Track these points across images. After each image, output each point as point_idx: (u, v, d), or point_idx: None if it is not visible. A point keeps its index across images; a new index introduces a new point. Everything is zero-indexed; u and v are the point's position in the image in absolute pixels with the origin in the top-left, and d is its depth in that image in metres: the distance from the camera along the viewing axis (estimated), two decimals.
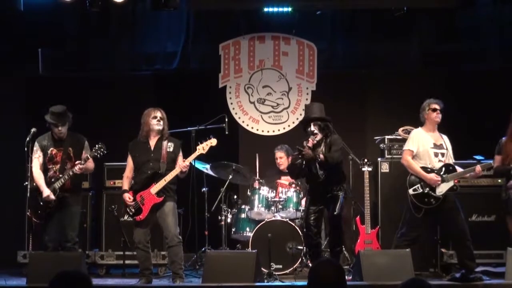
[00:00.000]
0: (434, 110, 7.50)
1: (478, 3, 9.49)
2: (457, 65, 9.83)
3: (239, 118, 9.94)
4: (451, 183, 7.32)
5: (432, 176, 7.30)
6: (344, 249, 8.18)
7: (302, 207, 8.22)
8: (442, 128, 7.74)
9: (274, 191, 8.61)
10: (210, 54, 9.98)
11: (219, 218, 8.60)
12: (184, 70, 9.93)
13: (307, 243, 7.65)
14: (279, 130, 9.96)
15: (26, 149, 7.41)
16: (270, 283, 7.51)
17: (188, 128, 8.38)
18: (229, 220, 8.66)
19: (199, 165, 8.42)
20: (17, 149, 7.65)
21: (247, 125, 9.96)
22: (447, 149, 7.48)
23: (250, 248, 8.10)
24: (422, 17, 9.77)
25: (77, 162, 7.44)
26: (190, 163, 7.50)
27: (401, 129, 8.52)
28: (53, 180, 7.47)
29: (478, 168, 7.36)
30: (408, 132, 7.87)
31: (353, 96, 9.87)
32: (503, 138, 7.55)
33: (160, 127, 7.47)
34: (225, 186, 8.60)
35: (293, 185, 8.50)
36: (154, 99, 9.60)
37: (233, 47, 9.96)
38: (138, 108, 7.78)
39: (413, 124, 7.88)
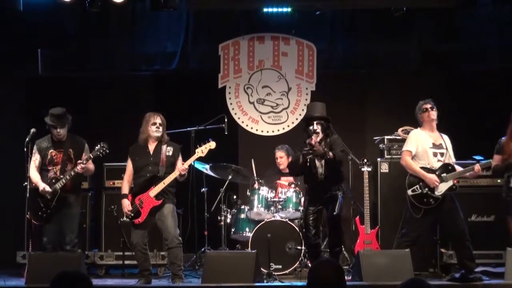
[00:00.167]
0: (425, 110, 7.51)
1: (478, 3, 9.47)
2: (457, 65, 9.83)
3: (239, 118, 9.94)
4: (450, 183, 7.32)
5: (432, 176, 7.29)
6: (343, 249, 8.18)
7: (302, 207, 8.21)
8: (442, 128, 7.74)
9: (274, 191, 8.60)
10: (209, 54, 9.98)
11: (219, 218, 8.60)
12: (183, 70, 9.93)
13: (306, 243, 7.65)
14: (278, 130, 9.96)
15: (25, 149, 7.41)
16: (269, 283, 7.51)
17: (188, 129, 8.39)
18: (228, 220, 8.66)
19: (199, 166, 8.42)
20: (17, 149, 7.65)
21: (247, 125, 9.95)
22: (446, 148, 7.47)
23: (249, 248, 8.10)
24: (422, 17, 9.76)
25: (79, 162, 7.44)
26: (189, 165, 7.51)
27: (400, 129, 8.52)
28: (53, 181, 7.47)
29: (477, 167, 7.36)
30: (408, 132, 7.87)
31: (352, 96, 9.87)
32: (503, 138, 7.54)
33: (159, 134, 7.48)
34: (224, 187, 8.60)
35: (293, 186, 8.50)
36: (154, 99, 9.62)
37: (232, 47, 9.96)
38: (138, 108, 7.79)
39: (413, 124, 7.88)
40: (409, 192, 7.37)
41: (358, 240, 8.37)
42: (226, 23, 9.99)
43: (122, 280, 8.09)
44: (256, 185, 8.62)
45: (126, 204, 7.40)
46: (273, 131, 9.96)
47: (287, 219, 8.34)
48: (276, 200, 8.47)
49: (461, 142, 8.26)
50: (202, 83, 9.98)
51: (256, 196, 8.52)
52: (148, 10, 9.56)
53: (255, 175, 8.85)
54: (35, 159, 7.56)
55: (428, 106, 7.51)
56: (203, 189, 8.58)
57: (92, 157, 7.50)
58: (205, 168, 8.61)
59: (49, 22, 9.57)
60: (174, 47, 9.93)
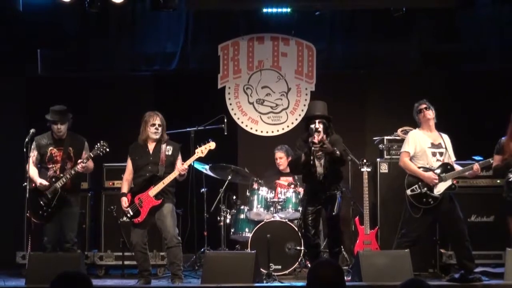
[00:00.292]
0: (421, 111, 7.54)
1: (478, 3, 9.48)
2: (457, 65, 9.84)
3: (238, 118, 9.94)
4: (449, 182, 7.33)
5: (430, 174, 7.30)
6: (343, 249, 8.18)
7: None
8: (442, 128, 7.75)
9: (273, 192, 8.60)
10: (209, 54, 9.98)
11: (218, 218, 8.60)
12: (183, 71, 9.94)
13: (306, 244, 7.64)
14: (278, 130, 9.96)
15: (25, 149, 7.41)
16: (269, 284, 7.50)
17: (187, 129, 8.39)
18: (228, 220, 8.66)
19: (198, 166, 8.42)
20: (17, 150, 7.64)
21: (246, 125, 9.95)
22: (446, 148, 7.47)
23: (249, 248, 8.10)
24: (422, 17, 9.77)
25: (79, 161, 7.45)
26: (189, 165, 7.51)
27: (400, 129, 8.52)
28: (53, 179, 7.47)
29: (476, 166, 7.36)
30: (407, 133, 7.87)
31: (352, 97, 9.87)
32: (503, 138, 7.54)
33: (158, 136, 7.49)
34: (224, 187, 8.59)
35: (292, 186, 8.49)
36: (154, 100, 9.62)
37: (232, 48, 9.96)
38: (138, 109, 7.79)
39: (413, 125, 7.88)
40: (408, 192, 7.37)
41: (357, 241, 8.37)
42: (226, 23, 10.00)
43: (121, 281, 8.09)
44: (255, 185, 8.62)
45: (124, 201, 7.41)
46: (272, 132, 9.96)
47: (286, 220, 8.34)
48: (276, 201, 8.47)
49: (461, 142, 8.26)
50: (201, 83, 9.98)
51: (255, 197, 8.52)
52: (148, 10, 9.57)
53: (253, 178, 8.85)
54: (33, 155, 7.56)
55: (423, 106, 7.53)
56: (203, 190, 8.58)
57: (92, 156, 7.51)
58: (205, 169, 8.61)
59: (49, 22, 9.58)
60: (173, 47, 9.94)
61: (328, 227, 7.65)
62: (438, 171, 7.35)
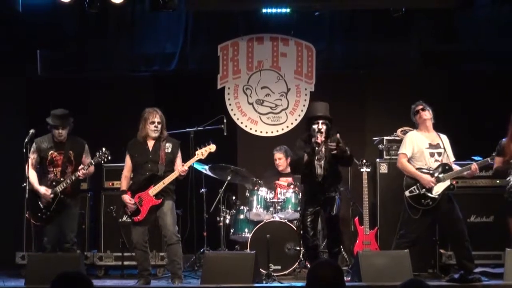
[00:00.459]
0: (417, 112, 7.56)
1: (477, 3, 9.50)
2: (456, 66, 9.84)
3: (238, 119, 9.94)
4: (447, 183, 7.34)
5: (427, 177, 7.31)
6: (342, 250, 8.19)
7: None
8: (442, 128, 7.75)
9: (273, 192, 8.60)
10: (208, 55, 9.98)
11: (218, 219, 8.59)
12: (182, 71, 9.93)
13: (305, 245, 7.64)
14: (277, 131, 9.96)
15: (24, 150, 7.40)
16: (268, 284, 7.51)
17: (187, 129, 8.39)
18: (227, 221, 8.65)
19: (198, 166, 8.42)
20: (17, 150, 7.64)
21: (246, 126, 9.95)
22: (444, 148, 7.48)
23: (248, 249, 8.10)
24: (421, 17, 9.77)
25: (80, 168, 7.45)
26: (189, 167, 7.51)
27: (399, 130, 8.52)
28: (54, 183, 7.47)
29: (474, 166, 7.37)
30: (407, 133, 7.87)
31: (352, 97, 9.87)
32: (503, 139, 7.54)
33: (157, 134, 7.49)
34: (223, 187, 8.59)
35: (292, 186, 8.50)
36: (153, 100, 9.58)
37: (231, 48, 9.96)
38: (137, 109, 7.78)
39: (412, 125, 7.88)
40: (407, 193, 7.38)
41: (357, 241, 8.37)
42: (225, 24, 9.99)
43: (121, 281, 8.09)
44: (255, 186, 8.63)
45: (127, 198, 7.40)
46: (272, 132, 9.96)
47: (286, 220, 8.35)
48: (275, 201, 8.47)
49: (461, 142, 8.27)
50: (201, 84, 9.97)
51: (255, 197, 8.52)
52: (147, 11, 9.56)
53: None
54: (33, 158, 7.55)
55: (420, 107, 7.55)
56: (202, 190, 8.57)
57: (93, 163, 7.53)
58: (204, 169, 8.61)
59: (48, 23, 9.58)
60: (173, 48, 9.93)
61: (327, 228, 7.66)
62: (436, 171, 7.36)
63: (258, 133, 9.97)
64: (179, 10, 9.37)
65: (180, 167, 7.37)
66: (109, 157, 7.51)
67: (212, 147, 7.50)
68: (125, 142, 7.75)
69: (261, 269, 7.55)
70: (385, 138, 8.68)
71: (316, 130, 7.20)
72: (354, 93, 9.91)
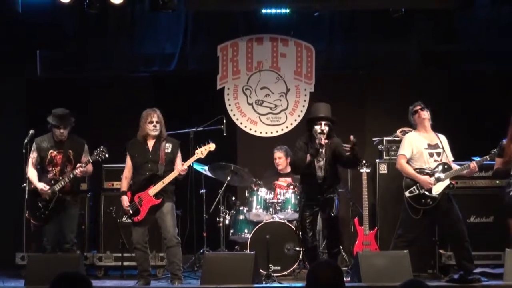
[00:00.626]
0: (416, 111, 7.57)
1: (476, 4, 9.51)
2: (456, 66, 9.85)
3: (237, 119, 9.94)
4: (447, 182, 7.34)
5: (425, 178, 7.31)
6: (342, 250, 8.18)
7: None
8: (442, 128, 7.76)
9: (272, 193, 8.60)
10: (208, 55, 9.98)
11: (218, 219, 8.58)
12: (182, 72, 9.94)
13: (304, 246, 7.64)
14: (277, 131, 9.96)
15: (24, 150, 7.40)
16: (268, 285, 7.50)
17: (187, 130, 8.38)
18: (227, 221, 8.65)
19: (198, 167, 8.42)
20: (16, 150, 7.64)
21: (245, 126, 9.96)
22: (443, 148, 7.48)
23: (248, 249, 8.10)
24: (421, 18, 9.79)
25: (78, 165, 7.44)
26: (188, 165, 7.51)
27: (399, 130, 8.51)
28: (52, 182, 7.47)
29: (473, 164, 7.37)
30: (406, 133, 7.87)
31: (351, 97, 9.87)
32: (504, 140, 7.53)
33: (157, 132, 7.48)
34: (223, 188, 8.58)
35: (291, 187, 8.50)
36: (153, 100, 9.58)
37: (231, 49, 9.96)
38: (137, 109, 7.78)
39: (411, 126, 7.88)
40: (407, 193, 7.38)
41: (357, 241, 8.36)
42: (225, 24, 9.99)
43: (121, 282, 8.09)
44: (254, 186, 8.63)
45: (125, 200, 7.41)
46: (271, 132, 9.96)
47: (285, 220, 8.34)
48: (275, 201, 8.46)
49: (461, 142, 8.28)
50: (200, 84, 9.98)
51: (254, 197, 8.51)
52: (147, 11, 9.58)
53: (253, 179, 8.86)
54: (33, 157, 7.55)
55: (418, 107, 7.57)
56: (202, 190, 8.57)
57: (91, 161, 7.52)
58: (204, 169, 8.61)
59: (48, 23, 9.58)
60: (173, 48, 9.94)
61: (326, 228, 7.66)
62: (436, 171, 7.36)
63: (257, 134, 9.97)
64: (178, 10, 9.38)
65: (180, 167, 7.37)
66: (107, 155, 7.49)
67: (211, 146, 7.50)
68: (125, 142, 7.74)
69: (260, 270, 7.55)
70: (385, 138, 8.68)
71: (319, 131, 7.20)
72: (353, 93, 9.91)
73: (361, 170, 8.40)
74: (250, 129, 9.96)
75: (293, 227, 8.21)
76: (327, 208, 7.32)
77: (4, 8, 9.27)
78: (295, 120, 9.91)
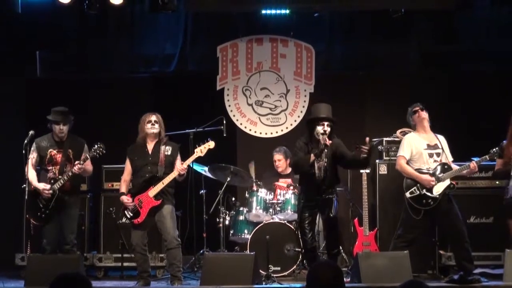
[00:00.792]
0: (416, 111, 7.57)
1: (476, 4, 9.52)
2: (456, 66, 9.85)
3: (237, 120, 9.94)
4: (447, 182, 7.34)
5: (427, 177, 7.31)
6: (342, 251, 8.18)
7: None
8: (442, 128, 7.76)
9: (272, 193, 8.60)
10: (208, 56, 9.99)
11: (217, 220, 8.59)
12: (182, 72, 9.94)
13: (304, 247, 7.63)
14: (277, 132, 9.97)
15: (24, 151, 7.39)
16: (268, 285, 7.49)
17: (186, 130, 8.38)
18: (227, 222, 8.65)
19: (197, 167, 8.41)
20: (16, 151, 7.63)
21: (245, 127, 9.96)
22: (442, 148, 7.49)
23: (248, 250, 8.10)
24: (421, 18, 9.79)
25: (76, 162, 7.43)
26: (188, 166, 7.51)
27: (399, 131, 8.51)
28: (52, 181, 7.46)
29: (472, 164, 7.37)
30: (406, 134, 7.87)
31: (351, 98, 9.86)
32: (504, 142, 7.54)
33: (155, 131, 7.47)
34: (223, 188, 8.58)
35: (291, 187, 8.50)
36: (153, 101, 9.62)
37: (231, 49, 9.96)
38: (137, 110, 7.79)
39: (411, 127, 7.88)
40: (407, 194, 7.38)
41: (356, 242, 8.36)
42: (225, 25, 9.99)
43: (120, 282, 8.09)
44: (254, 187, 8.63)
45: (125, 199, 7.40)
46: (271, 133, 9.97)
47: (285, 221, 8.34)
48: (275, 202, 8.47)
49: (461, 142, 8.28)
50: (200, 84, 9.98)
51: (254, 198, 8.52)
52: (147, 12, 9.58)
53: (253, 177, 8.86)
54: (33, 157, 7.54)
55: (418, 108, 7.58)
56: (202, 191, 8.56)
57: (89, 157, 7.50)
58: (204, 170, 8.60)
59: (48, 24, 9.59)
60: (172, 49, 9.95)
61: (326, 229, 7.65)
62: (436, 171, 7.36)
63: (257, 134, 9.98)
64: (178, 11, 9.38)
65: (179, 166, 7.36)
66: (104, 151, 7.47)
67: (211, 144, 7.48)
68: (125, 143, 7.75)
69: (260, 270, 7.54)
70: (385, 139, 8.67)
71: (321, 131, 7.21)
72: (353, 94, 9.91)
73: (361, 171, 8.40)
74: (250, 130, 9.96)
75: (293, 227, 8.22)
76: (326, 208, 7.32)
77: (4, 9, 9.28)
78: (295, 121, 9.91)
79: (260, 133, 9.97)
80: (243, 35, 9.98)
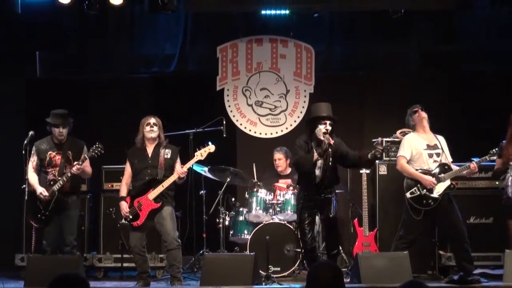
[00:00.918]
0: (416, 111, 7.58)
1: (476, 5, 9.52)
2: (456, 66, 9.85)
3: (237, 120, 9.94)
4: (447, 183, 7.35)
5: (428, 177, 7.31)
6: (341, 251, 8.17)
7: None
8: (442, 129, 7.76)
9: (272, 194, 8.60)
10: (208, 56, 9.98)
11: (217, 220, 8.58)
12: (182, 73, 9.94)
13: (303, 248, 7.63)
14: (276, 132, 9.96)
15: (23, 152, 7.39)
16: (268, 286, 7.49)
17: (186, 131, 8.38)
18: (227, 222, 8.64)
19: (197, 168, 8.41)
20: (16, 151, 7.64)
21: (245, 127, 9.95)
22: (442, 149, 7.49)
23: (248, 250, 8.10)
24: (421, 19, 9.78)
25: (75, 163, 7.43)
26: (188, 168, 7.51)
27: (398, 131, 8.50)
28: (52, 183, 7.46)
29: (473, 165, 7.38)
30: (406, 135, 7.87)
31: (351, 98, 9.86)
32: (504, 141, 7.55)
33: (153, 135, 7.48)
34: (223, 189, 8.58)
35: (291, 188, 8.49)
36: (152, 101, 9.62)
37: (230, 50, 9.96)
38: (137, 111, 7.80)
39: (410, 127, 7.88)
40: (408, 195, 7.38)
41: (356, 242, 8.35)
42: (225, 25, 9.99)
43: (120, 283, 8.09)
44: (254, 187, 8.62)
45: (124, 206, 7.41)
46: (271, 134, 9.96)
47: (285, 222, 8.34)
48: (275, 203, 8.46)
49: (461, 143, 8.28)
50: (200, 85, 9.98)
51: (254, 199, 8.51)
52: (147, 12, 9.57)
53: (255, 179, 8.85)
54: (33, 160, 7.54)
55: (418, 108, 7.58)
56: (202, 192, 8.56)
57: (87, 158, 7.49)
58: (204, 171, 8.60)
59: (48, 24, 9.59)
60: (172, 49, 9.94)
61: (325, 229, 7.66)
62: (436, 171, 7.36)
63: (257, 135, 9.97)
64: (178, 11, 9.37)
65: (179, 169, 7.37)
66: (102, 151, 7.47)
67: (211, 148, 7.50)
68: (125, 143, 7.75)
69: (260, 271, 7.54)
70: (384, 139, 8.66)
71: (324, 130, 7.21)
72: (353, 94, 9.90)
73: (361, 171, 8.40)
74: (250, 130, 9.96)
75: (292, 228, 8.21)
76: (326, 209, 7.33)
77: (4, 9, 9.27)
78: (295, 121, 9.90)
79: (260, 133, 9.97)
80: (243, 35, 9.97)
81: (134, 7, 9.74)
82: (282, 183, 8.80)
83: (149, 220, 7.37)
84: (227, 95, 9.97)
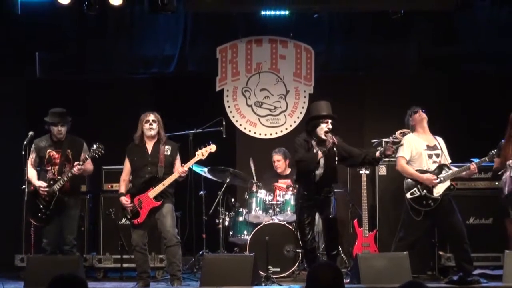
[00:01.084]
0: (416, 111, 7.58)
1: (476, 5, 9.52)
2: (455, 67, 9.85)
3: (237, 121, 9.94)
4: (447, 183, 7.35)
5: (428, 175, 7.32)
6: (341, 252, 8.17)
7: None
8: (441, 129, 7.76)
9: (272, 194, 8.60)
10: (207, 57, 9.98)
11: (217, 221, 8.57)
12: (181, 73, 9.94)
13: (303, 248, 7.62)
14: (276, 133, 9.96)
15: (23, 152, 7.39)
16: (267, 287, 7.49)
17: (186, 131, 8.38)
18: (226, 223, 8.63)
19: (197, 168, 8.41)
20: (16, 151, 7.63)
21: (245, 128, 9.95)
22: (441, 149, 7.49)
23: (247, 251, 8.10)
24: (420, 19, 9.78)
25: (76, 163, 7.43)
26: (188, 168, 7.50)
27: (398, 132, 8.48)
28: (51, 182, 7.46)
29: (472, 165, 7.39)
30: (405, 135, 7.87)
31: (351, 99, 9.86)
32: (503, 141, 7.57)
33: (153, 132, 7.47)
34: (222, 189, 8.57)
35: (291, 188, 8.49)
36: (152, 102, 9.59)
37: (230, 50, 9.96)
38: (137, 111, 7.77)
39: (410, 128, 7.87)
40: (408, 195, 7.38)
41: (356, 243, 8.35)
42: (224, 26, 9.99)
43: (120, 283, 8.09)
44: (254, 188, 8.62)
45: (124, 200, 7.40)
46: (271, 134, 9.96)
47: (285, 222, 8.34)
48: (274, 203, 8.46)
49: (461, 143, 8.29)
50: (200, 85, 9.98)
51: (254, 199, 8.51)
52: (146, 13, 9.57)
53: (254, 174, 8.85)
54: (32, 158, 7.54)
55: (417, 108, 7.60)
56: (201, 192, 8.56)
57: (88, 158, 7.50)
58: (203, 171, 8.60)
59: (47, 25, 9.59)
60: (172, 49, 9.95)
61: (325, 230, 7.65)
62: (435, 172, 7.37)
63: (257, 135, 9.97)
64: (177, 12, 9.38)
65: (180, 169, 7.37)
66: (103, 151, 7.47)
67: (212, 147, 7.50)
68: (124, 143, 7.74)
69: (260, 271, 7.54)
70: (384, 140, 8.64)
71: (325, 129, 7.21)
72: (353, 95, 9.90)
73: (360, 172, 8.40)
74: (250, 131, 9.96)
75: (292, 228, 8.21)
76: (325, 209, 7.33)
77: (4, 10, 9.28)
78: (294, 122, 9.90)
79: (260, 134, 9.97)
80: (242, 36, 9.97)
81: (134, 7, 9.74)
82: (281, 183, 8.79)
83: (150, 218, 7.38)
84: (227, 96, 9.97)
